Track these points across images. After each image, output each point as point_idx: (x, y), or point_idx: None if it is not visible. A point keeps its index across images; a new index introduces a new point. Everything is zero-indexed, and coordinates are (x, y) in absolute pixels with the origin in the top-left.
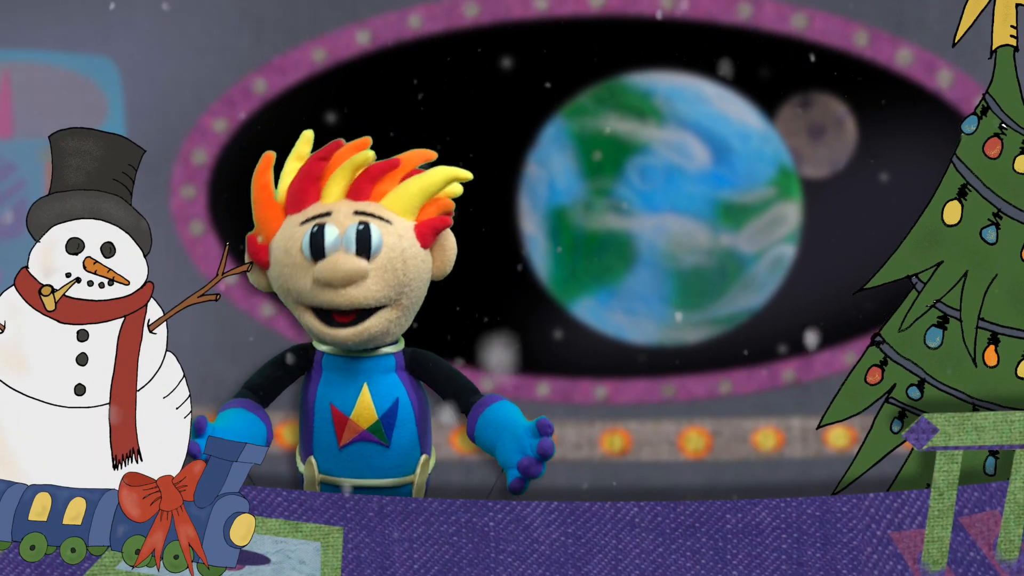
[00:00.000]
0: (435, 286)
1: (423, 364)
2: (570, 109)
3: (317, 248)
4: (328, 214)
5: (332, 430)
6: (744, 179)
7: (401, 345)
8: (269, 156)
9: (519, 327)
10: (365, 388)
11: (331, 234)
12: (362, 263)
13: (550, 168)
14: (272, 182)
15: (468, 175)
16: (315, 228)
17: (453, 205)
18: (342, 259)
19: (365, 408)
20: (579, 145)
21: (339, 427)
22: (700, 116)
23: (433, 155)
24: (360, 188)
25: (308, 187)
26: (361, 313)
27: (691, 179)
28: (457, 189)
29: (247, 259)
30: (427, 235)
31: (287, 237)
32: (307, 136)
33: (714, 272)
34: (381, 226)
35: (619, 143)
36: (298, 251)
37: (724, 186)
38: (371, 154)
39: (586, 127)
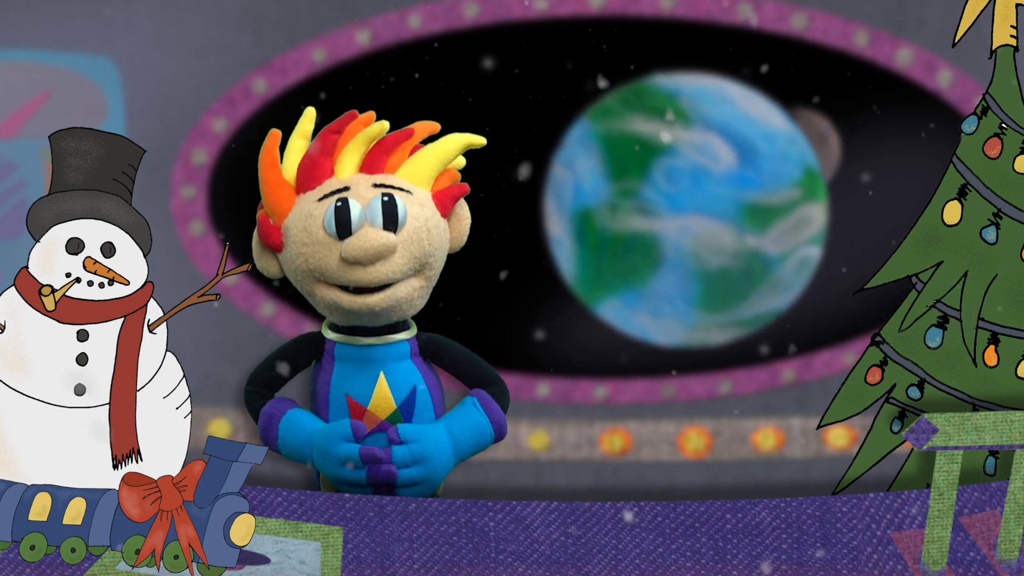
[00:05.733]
0: (462, 287)
1: (440, 350)
2: (596, 111)
3: (343, 224)
4: (347, 188)
5: None
6: (770, 180)
7: (414, 331)
8: (275, 134)
9: (544, 327)
10: (382, 377)
11: (355, 209)
12: (391, 237)
13: (576, 170)
14: (279, 160)
15: (482, 140)
16: (339, 203)
17: (460, 176)
18: (371, 235)
19: (383, 398)
20: (605, 147)
21: (356, 419)
22: (726, 117)
23: (438, 127)
24: (374, 161)
25: (322, 162)
26: (388, 284)
27: (717, 180)
28: (462, 161)
29: (257, 246)
30: (446, 203)
31: (304, 215)
32: (309, 113)
33: (740, 273)
34: (404, 197)
35: (645, 144)
36: (319, 228)
37: (750, 187)
38: (385, 124)
39: (612, 129)
